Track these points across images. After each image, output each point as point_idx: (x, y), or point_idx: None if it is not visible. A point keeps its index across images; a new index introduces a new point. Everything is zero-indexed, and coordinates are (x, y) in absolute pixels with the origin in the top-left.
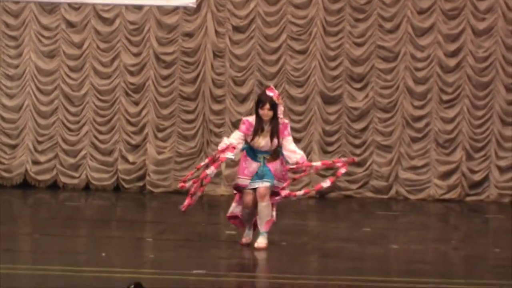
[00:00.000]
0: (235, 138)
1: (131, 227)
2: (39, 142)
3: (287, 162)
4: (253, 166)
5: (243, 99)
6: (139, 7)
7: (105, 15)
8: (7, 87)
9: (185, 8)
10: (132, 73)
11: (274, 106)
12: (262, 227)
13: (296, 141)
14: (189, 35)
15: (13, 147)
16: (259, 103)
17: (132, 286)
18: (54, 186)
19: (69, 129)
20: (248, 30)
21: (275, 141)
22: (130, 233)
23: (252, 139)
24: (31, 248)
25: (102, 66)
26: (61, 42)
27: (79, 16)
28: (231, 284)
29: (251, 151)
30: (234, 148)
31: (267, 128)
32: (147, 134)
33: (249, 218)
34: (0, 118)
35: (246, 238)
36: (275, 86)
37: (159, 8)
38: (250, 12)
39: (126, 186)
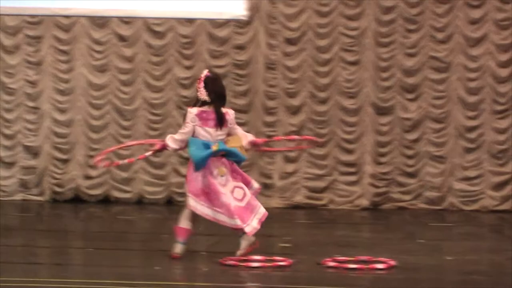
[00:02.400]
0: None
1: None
2: (91, 157)
3: None
4: None
5: (295, 111)
6: (191, 21)
7: (157, 28)
8: (58, 102)
9: (237, 20)
10: (184, 86)
11: None
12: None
13: (348, 152)
14: (241, 47)
15: (65, 161)
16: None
17: None
18: (106, 201)
19: (121, 143)
20: (300, 42)
21: None
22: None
23: None
24: (84, 262)
25: (154, 79)
26: (113, 56)
27: (130, 29)
28: None
29: None
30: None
31: None
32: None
33: None
34: (52, 133)
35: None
36: (327, 99)
37: (211, 21)
38: (302, 24)
39: (179, 199)
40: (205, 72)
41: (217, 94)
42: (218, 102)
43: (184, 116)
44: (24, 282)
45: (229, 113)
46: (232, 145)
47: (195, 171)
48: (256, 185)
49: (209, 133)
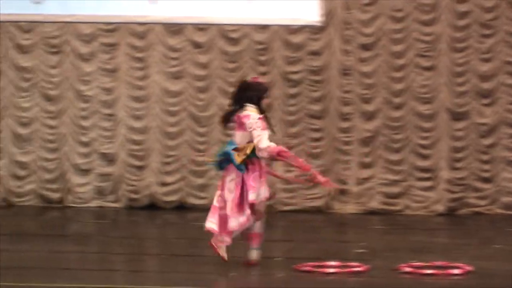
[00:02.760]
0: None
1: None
2: (166, 164)
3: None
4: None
5: (370, 117)
6: (265, 27)
7: (232, 35)
8: (134, 109)
9: (312, 27)
10: None
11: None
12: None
13: (424, 157)
14: (316, 53)
15: (141, 168)
16: (264, 93)
17: None
18: (181, 207)
19: (198, 150)
20: (375, 47)
21: None
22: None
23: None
24: (159, 268)
25: (229, 86)
26: (188, 63)
27: (205, 36)
28: None
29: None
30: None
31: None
32: None
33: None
34: (128, 140)
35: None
36: (402, 104)
37: (286, 27)
38: (376, 29)
39: None
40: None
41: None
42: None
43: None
44: None
45: (249, 117)
46: (247, 151)
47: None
48: (252, 196)
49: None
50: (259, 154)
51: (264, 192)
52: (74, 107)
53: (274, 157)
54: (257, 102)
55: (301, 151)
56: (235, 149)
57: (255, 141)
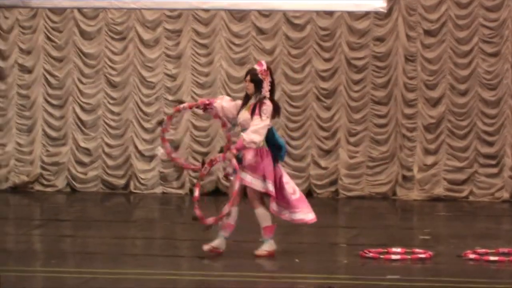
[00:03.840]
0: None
1: (324, 232)
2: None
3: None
4: None
5: (435, 103)
6: (330, 13)
7: (296, 21)
8: (198, 95)
9: (376, 12)
10: (323, 79)
11: (255, 80)
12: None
13: (489, 144)
14: (381, 39)
15: (205, 154)
16: (244, 76)
17: None
18: (246, 193)
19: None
20: (439, 33)
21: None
22: (323, 239)
23: (238, 113)
24: (224, 254)
25: (293, 72)
26: (252, 49)
27: (269, 23)
28: None
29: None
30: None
31: (251, 103)
32: (339, 139)
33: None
34: (192, 126)
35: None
36: (467, 91)
37: (350, 13)
38: (441, 15)
39: (318, 191)
40: (265, 65)
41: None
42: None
43: (260, 107)
44: (165, 275)
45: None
46: None
47: (272, 161)
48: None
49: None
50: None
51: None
52: (138, 94)
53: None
54: None
55: (365, 137)
56: None
57: (248, 129)
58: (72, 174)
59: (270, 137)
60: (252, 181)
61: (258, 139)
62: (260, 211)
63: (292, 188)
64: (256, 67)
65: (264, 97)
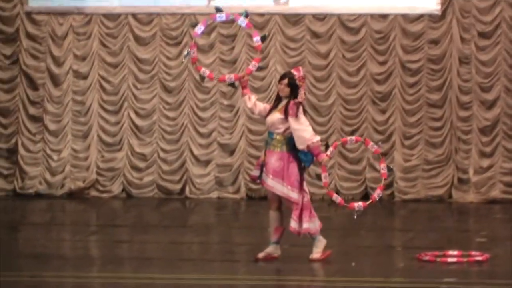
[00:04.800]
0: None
1: (381, 235)
2: None
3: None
4: (262, 153)
5: (490, 105)
6: (384, 16)
7: (351, 24)
8: None
9: (430, 15)
10: (378, 82)
11: (293, 85)
12: (272, 237)
13: None
14: (435, 42)
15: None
16: (280, 79)
17: None
18: None
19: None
20: (493, 35)
21: (283, 119)
22: (380, 242)
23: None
24: (280, 258)
25: (348, 75)
26: (307, 53)
27: (324, 26)
28: None
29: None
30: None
31: (282, 105)
32: (394, 141)
33: (272, 223)
34: (248, 130)
35: (266, 251)
36: None
37: (404, 16)
38: (495, 17)
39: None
40: (302, 71)
41: None
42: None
43: (297, 109)
44: (222, 280)
45: None
46: None
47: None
48: None
49: None
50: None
51: None
52: (193, 98)
53: None
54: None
55: (420, 140)
56: None
57: (300, 133)
58: (128, 179)
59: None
60: (273, 185)
61: (317, 137)
62: (272, 214)
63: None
64: (294, 72)
65: (300, 103)
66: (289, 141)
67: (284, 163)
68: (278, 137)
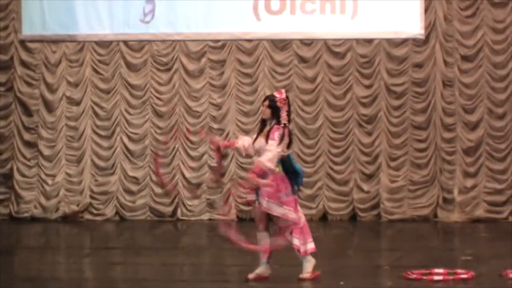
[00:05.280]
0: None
1: (368, 255)
2: None
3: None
4: None
5: (473, 127)
6: (369, 40)
7: (337, 49)
8: (243, 123)
9: (414, 39)
10: (364, 105)
11: (273, 106)
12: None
13: None
14: (419, 65)
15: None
16: (262, 101)
17: None
18: None
19: (305, 161)
20: (476, 59)
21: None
22: (367, 261)
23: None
24: (271, 279)
25: (335, 98)
26: (295, 77)
27: (311, 51)
28: None
29: None
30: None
31: (266, 130)
32: (380, 163)
33: (261, 243)
34: (238, 154)
35: (256, 272)
36: (504, 114)
37: (389, 40)
38: (477, 41)
39: (361, 214)
40: (285, 94)
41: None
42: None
43: (279, 133)
44: None
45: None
46: None
47: (290, 187)
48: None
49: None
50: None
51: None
52: (184, 123)
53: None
54: None
55: (406, 161)
56: None
57: (264, 154)
58: (121, 202)
59: (287, 164)
60: (269, 206)
61: (272, 165)
62: (260, 235)
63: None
64: (276, 94)
65: (284, 125)
66: (281, 163)
67: (278, 184)
68: None
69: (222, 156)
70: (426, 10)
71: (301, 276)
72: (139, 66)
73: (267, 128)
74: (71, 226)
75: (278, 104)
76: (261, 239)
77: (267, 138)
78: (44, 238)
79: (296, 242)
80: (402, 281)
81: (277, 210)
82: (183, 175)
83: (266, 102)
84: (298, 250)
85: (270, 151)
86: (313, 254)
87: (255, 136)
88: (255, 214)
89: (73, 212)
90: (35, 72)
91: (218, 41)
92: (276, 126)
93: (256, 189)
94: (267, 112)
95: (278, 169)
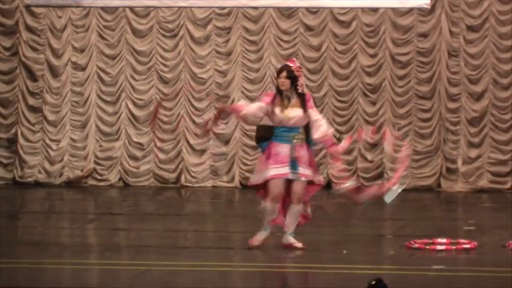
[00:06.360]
0: (253, 105)
1: (371, 224)
2: None
3: (311, 140)
4: (285, 150)
5: (478, 97)
6: (374, 10)
7: (342, 18)
8: (248, 90)
9: (420, 9)
10: (369, 74)
11: (292, 77)
12: (291, 228)
13: None
14: (424, 35)
15: (256, 148)
16: (277, 73)
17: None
18: None
19: None
20: (482, 29)
21: (306, 112)
22: (370, 231)
23: (279, 112)
24: (273, 246)
25: (340, 67)
26: (300, 46)
27: (317, 19)
28: (469, 279)
29: (280, 132)
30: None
31: (294, 100)
32: (384, 133)
33: (272, 214)
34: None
35: (258, 238)
36: (509, 85)
37: (394, 10)
38: (483, 11)
39: (366, 184)
40: (297, 62)
41: None
42: None
43: (314, 101)
44: (217, 266)
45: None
46: None
47: None
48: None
49: None
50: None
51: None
52: (189, 89)
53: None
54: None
55: (410, 131)
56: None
57: (321, 122)
58: (125, 168)
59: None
60: (309, 173)
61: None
62: (272, 206)
63: None
64: (290, 64)
65: (305, 94)
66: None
67: (310, 153)
68: (301, 130)
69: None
70: None
71: (298, 244)
72: (145, 32)
73: (294, 100)
74: (75, 191)
75: (296, 73)
76: (272, 210)
77: (304, 107)
78: (48, 203)
79: (309, 211)
80: (405, 250)
81: (313, 177)
82: (188, 142)
83: (284, 73)
84: (307, 218)
85: (322, 119)
86: (315, 223)
87: (269, 106)
88: (276, 186)
89: (77, 178)
90: (40, 37)
91: (224, 8)
92: (308, 94)
93: (294, 160)
94: (287, 83)
95: (306, 139)
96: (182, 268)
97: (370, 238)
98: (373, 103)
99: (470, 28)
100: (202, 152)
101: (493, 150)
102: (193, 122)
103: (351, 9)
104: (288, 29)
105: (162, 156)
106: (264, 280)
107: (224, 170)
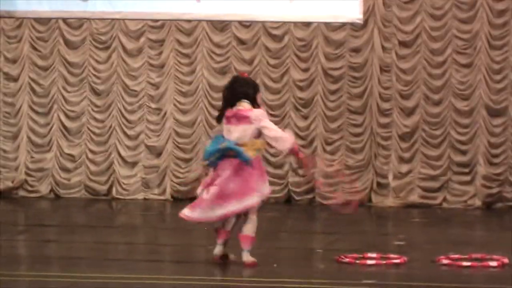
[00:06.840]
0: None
1: (302, 238)
2: None
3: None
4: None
5: (409, 113)
6: (307, 24)
7: (275, 32)
8: (180, 103)
9: (352, 24)
10: (301, 88)
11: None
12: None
13: (462, 152)
14: (356, 50)
15: (188, 161)
16: (258, 88)
17: None
18: None
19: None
20: (414, 44)
21: None
22: (301, 244)
23: None
24: (205, 259)
25: (272, 81)
26: (232, 59)
27: (249, 33)
28: None
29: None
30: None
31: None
32: (316, 147)
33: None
34: (175, 133)
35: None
36: (440, 100)
37: (327, 24)
38: (416, 27)
39: (297, 198)
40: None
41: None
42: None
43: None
44: (148, 279)
45: (253, 111)
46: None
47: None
48: (255, 199)
49: (228, 131)
50: (282, 146)
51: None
52: (121, 101)
53: (292, 151)
54: (252, 98)
55: (341, 145)
56: (239, 145)
57: (273, 134)
58: (56, 180)
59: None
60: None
61: None
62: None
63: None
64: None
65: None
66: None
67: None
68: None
69: None
70: None
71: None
72: (77, 44)
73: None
74: (5, 202)
75: None
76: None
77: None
78: None
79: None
80: (335, 265)
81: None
82: (119, 154)
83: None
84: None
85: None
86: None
87: None
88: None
89: (7, 189)
90: None
91: (157, 21)
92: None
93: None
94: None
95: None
96: (112, 280)
97: (300, 252)
98: (305, 118)
99: (402, 44)
100: (134, 164)
101: (424, 166)
102: (125, 134)
103: (284, 23)
104: (220, 43)
105: (93, 168)
106: None
107: (156, 183)
